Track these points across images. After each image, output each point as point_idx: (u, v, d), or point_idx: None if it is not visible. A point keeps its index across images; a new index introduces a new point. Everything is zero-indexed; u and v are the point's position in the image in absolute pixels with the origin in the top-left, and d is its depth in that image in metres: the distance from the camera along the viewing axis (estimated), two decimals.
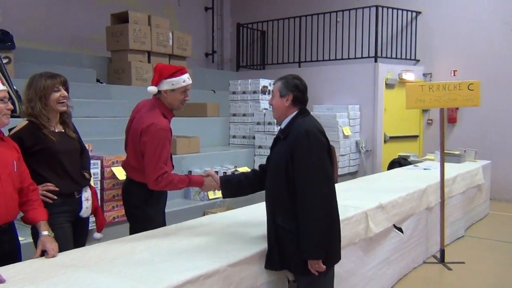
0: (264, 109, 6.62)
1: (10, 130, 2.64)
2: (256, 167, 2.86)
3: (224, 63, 10.49)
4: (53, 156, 2.64)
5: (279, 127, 2.59)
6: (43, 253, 2.31)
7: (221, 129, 7.03)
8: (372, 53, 7.75)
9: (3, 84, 2.25)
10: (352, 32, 8.11)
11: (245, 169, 5.89)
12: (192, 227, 2.91)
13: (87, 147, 4.55)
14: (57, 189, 2.63)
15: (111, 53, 7.03)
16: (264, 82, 6.68)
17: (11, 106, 2.28)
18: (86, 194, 2.81)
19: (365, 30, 7.90)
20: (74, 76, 6.32)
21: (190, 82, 3.01)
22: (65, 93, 2.69)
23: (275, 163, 2.43)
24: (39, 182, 2.60)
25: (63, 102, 2.68)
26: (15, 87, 4.68)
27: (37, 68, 5.83)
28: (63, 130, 2.76)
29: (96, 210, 2.91)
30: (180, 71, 2.97)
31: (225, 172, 5.57)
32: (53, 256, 2.27)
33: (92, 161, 3.98)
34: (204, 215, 4.69)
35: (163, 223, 3.11)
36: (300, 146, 2.30)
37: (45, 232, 2.37)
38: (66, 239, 2.60)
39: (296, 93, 2.47)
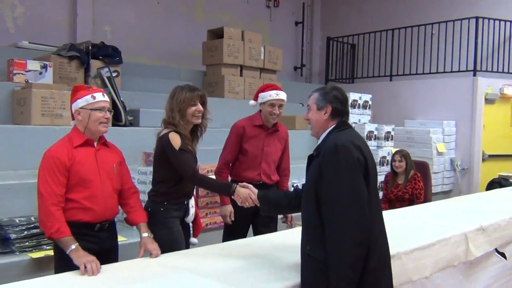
0: (354, 123, 6.55)
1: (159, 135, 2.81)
2: None
3: (313, 77, 10.53)
4: None
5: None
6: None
7: (309, 141, 7.02)
8: (471, 67, 7.36)
9: (104, 95, 2.47)
10: (449, 44, 7.77)
11: None
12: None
13: None
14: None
15: (206, 67, 7.36)
16: (354, 95, 6.62)
17: (109, 116, 2.49)
18: (192, 202, 2.98)
19: (463, 43, 7.52)
20: (172, 88, 6.71)
21: (277, 97, 3.43)
22: (201, 108, 2.81)
23: (307, 184, 2.15)
24: (167, 182, 2.78)
25: (198, 116, 2.81)
26: (122, 99, 5.09)
27: (141, 81, 6.33)
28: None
29: (196, 217, 3.07)
30: (269, 87, 3.48)
31: None
32: (157, 256, 2.43)
33: None
34: None
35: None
36: (327, 163, 1.99)
37: (145, 234, 2.55)
38: (182, 242, 2.80)
39: (336, 104, 2.17)
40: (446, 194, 7.01)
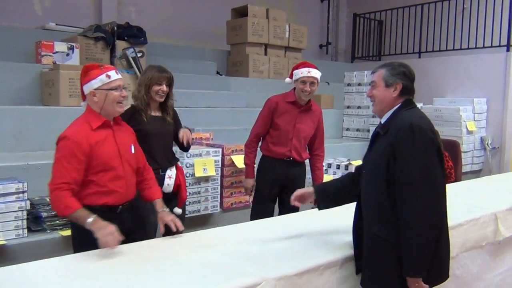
0: None
1: None
2: None
3: (338, 55, 10.35)
4: (144, 137, 2.91)
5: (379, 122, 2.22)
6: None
7: (334, 121, 6.97)
8: (504, 42, 7.07)
9: (117, 73, 2.39)
10: (481, 19, 7.47)
11: (358, 162, 5.77)
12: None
13: (208, 136, 4.83)
14: None
15: (231, 47, 7.32)
16: None
17: (125, 94, 2.42)
18: (170, 173, 3.11)
19: (496, 17, 7.23)
20: (196, 68, 6.71)
21: (308, 75, 3.56)
22: (165, 88, 3.02)
23: (373, 163, 2.10)
24: None
25: (161, 95, 3.03)
26: None
27: (165, 61, 6.29)
28: (160, 115, 3.10)
29: (179, 187, 3.15)
30: (302, 65, 3.63)
31: (339, 165, 5.52)
32: (180, 227, 2.45)
33: (213, 149, 4.23)
34: None
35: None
36: (402, 143, 1.96)
37: (161, 209, 2.55)
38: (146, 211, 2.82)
39: (406, 81, 2.12)
40: (475, 174, 6.85)
